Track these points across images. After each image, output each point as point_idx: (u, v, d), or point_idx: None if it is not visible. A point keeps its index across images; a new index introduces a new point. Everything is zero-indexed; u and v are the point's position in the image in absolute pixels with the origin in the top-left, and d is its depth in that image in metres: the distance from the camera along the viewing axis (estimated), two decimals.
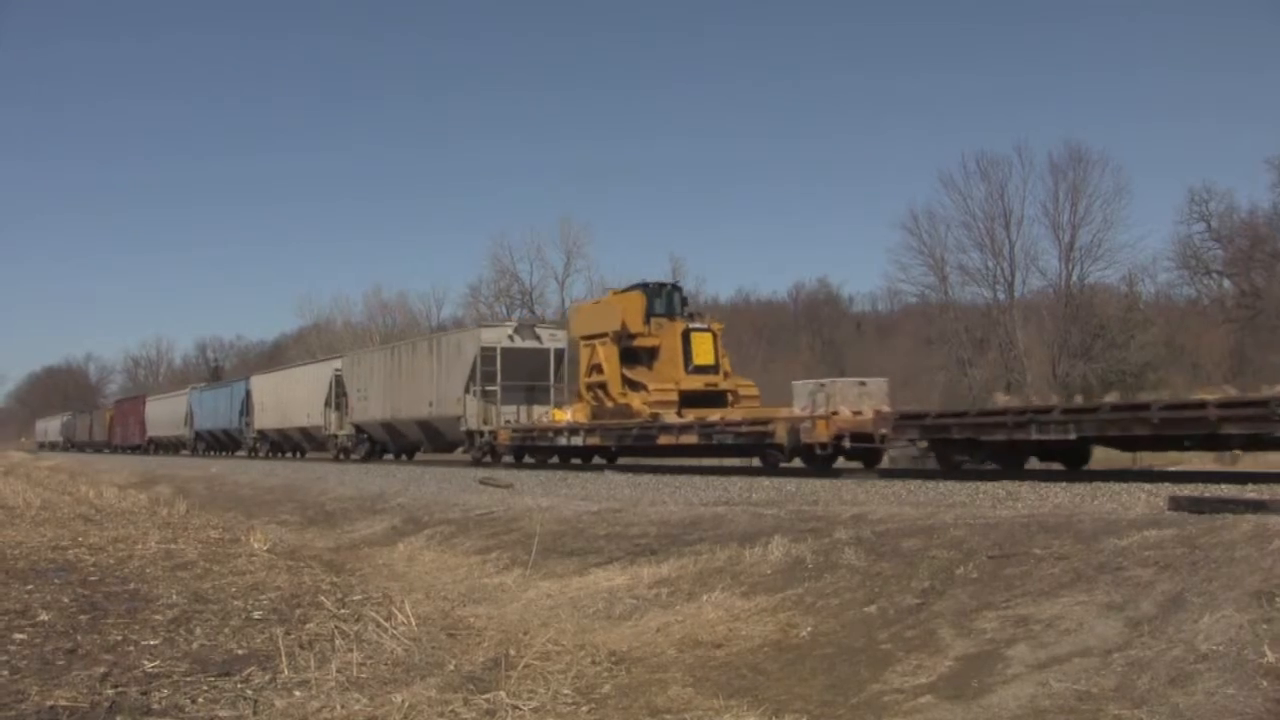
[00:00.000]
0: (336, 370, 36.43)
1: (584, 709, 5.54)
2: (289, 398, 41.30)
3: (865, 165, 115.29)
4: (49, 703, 5.19)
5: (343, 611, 7.61)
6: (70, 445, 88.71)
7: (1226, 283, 52.38)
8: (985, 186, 52.91)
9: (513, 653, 6.37)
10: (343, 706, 5.22)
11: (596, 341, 23.53)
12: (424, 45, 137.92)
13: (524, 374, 27.25)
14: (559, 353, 27.60)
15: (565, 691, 5.76)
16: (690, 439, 20.07)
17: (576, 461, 24.91)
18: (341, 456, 36.08)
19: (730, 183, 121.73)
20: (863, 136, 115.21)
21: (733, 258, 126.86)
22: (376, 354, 34.78)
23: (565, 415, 24.72)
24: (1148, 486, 10.86)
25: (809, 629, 6.92)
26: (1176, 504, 8.22)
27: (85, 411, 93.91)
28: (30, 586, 8.46)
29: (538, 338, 27.76)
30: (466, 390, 26.94)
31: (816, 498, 12.09)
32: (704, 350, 22.68)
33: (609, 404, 23.06)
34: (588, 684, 6.01)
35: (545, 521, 11.98)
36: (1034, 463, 16.47)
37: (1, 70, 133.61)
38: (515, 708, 5.34)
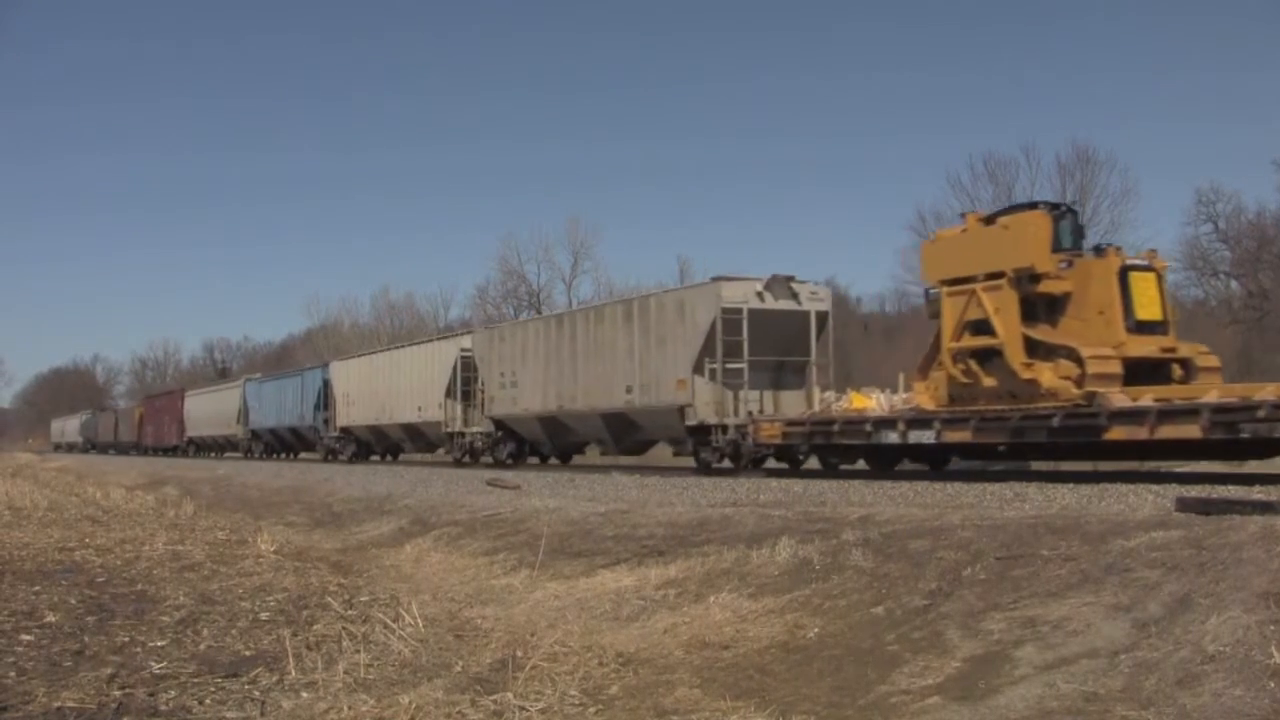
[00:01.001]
0: (464, 351, 28.72)
1: (591, 710, 5.55)
2: (389, 387, 33.37)
3: (873, 166, 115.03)
4: (56, 704, 5.21)
5: (350, 613, 7.62)
6: (91, 446, 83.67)
7: (1234, 284, 52.25)
8: (993, 188, 52.70)
9: (520, 654, 6.38)
10: (350, 708, 5.23)
11: (978, 287, 15.67)
12: (432, 46, 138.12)
13: (773, 346, 19.99)
14: (820, 318, 20.48)
15: (572, 693, 5.76)
16: (1186, 430, 12.52)
17: (781, 465, 20.33)
18: (468, 460, 28.62)
19: (738, 183, 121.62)
20: (870, 137, 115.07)
21: (740, 258, 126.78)
22: (531, 326, 26.73)
23: (871, 400, 18.96)
24: (1155, 488, 10.83)
25: (816, 630, 6.92)
26: (1184, 505, 8.21)
27: (108, 409, 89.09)
28: (37, 588, 8.49)
29: (794, 296, 20.26)
30: (696, 369, 19.73)
31: (824, 499, 12.08)
32: (1149, 299, 15.48)
33: (989, 382, 15.58)
34: (595, 685, 6.01)
35: (553, 523, 11.99)
36: (1042, 464, 16.45)
37: (9, 70, 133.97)
38: (523, 709, 5.35)
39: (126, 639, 6.74)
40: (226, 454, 51.78)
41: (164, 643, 6.66)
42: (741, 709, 5.46)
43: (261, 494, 23.92)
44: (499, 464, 26.03)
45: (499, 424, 26.86)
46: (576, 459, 27.56)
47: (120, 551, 10.91)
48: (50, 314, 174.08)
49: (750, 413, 19.47)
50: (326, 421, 38.20)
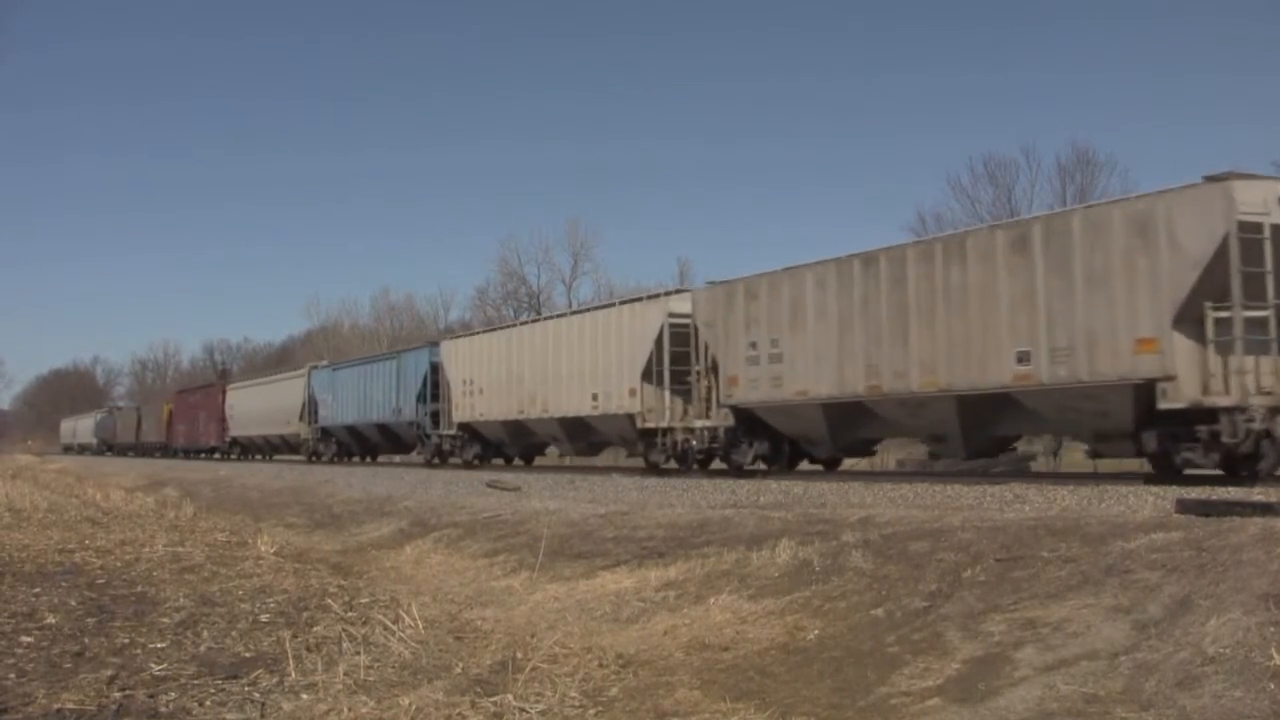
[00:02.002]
0: (675, 317, 20.27)
1: (591, 712, 5.55)
2: (540, 371, 24.57)
3: (873, 167, 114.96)
4: (56, 705, 5.21)
5: (350, 614, 7.62)
6: (107, 448, 75.35)
7: None
8: (993, 189, 52.80)
9: (520, 655, 6.38)
10: (350, 709, 5.23)
11: None
12: (432, 47, 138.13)
13: None
14: None
15: (572, 694, 5.76)
16: None
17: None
18: (681, 465, 20.44)
19: (738, 184, 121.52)
20: (870, 138, 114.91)
21: (740, 260, 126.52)
22: (818, 272, 17.06)
23: None
24: (1155, 489, 10.83)
25: (816, 632, 6.92)
26: (1184, 507, 8.21)
27: (127, 407, 79.67)
28: (37, 589, 8.48)
29: None
30: (1182, 320, 12.26)
31: (824, 500, 12.08)
32: None
33: None
34: (595, 687, 6.01)
35: (553, 524, 11.99)
36: (1042, 465, 16.44)
37: (9, 71, 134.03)
38: (523, 710, 5.34)
39: (126, 640, 6.74)
40: (279, 457, 43.42)
41: (164, 644, 6.66)
42: (741, 710, 5.46)
43: (261, 495, 23.92)
44: (738, 471, 18.83)
45: (743, 415, 18.39)
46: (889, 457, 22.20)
47: (120, 553, 10.91)
48: (50, 315, 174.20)
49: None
50: (433, 416, 30.20)
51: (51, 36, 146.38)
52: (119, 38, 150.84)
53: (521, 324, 28.43)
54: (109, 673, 5.87)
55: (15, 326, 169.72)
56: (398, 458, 37.31)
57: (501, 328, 30.66)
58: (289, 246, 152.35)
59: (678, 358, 19.89)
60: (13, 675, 5.79)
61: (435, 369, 30.12)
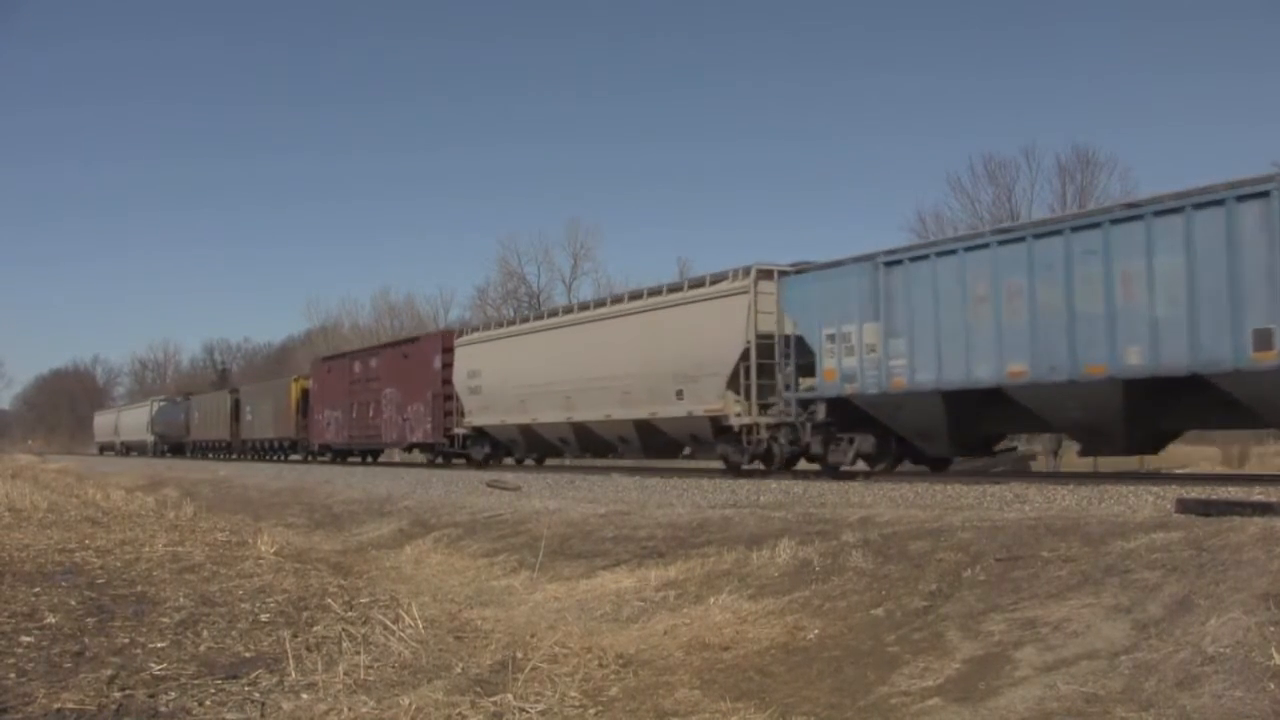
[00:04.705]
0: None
1: (591, 712, 5.54)
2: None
3: (873, 167, 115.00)
4: (56, 705, 5.20)
5: (350, 614, 7.62)
6: (170, 449, 57.23)
7: None
8: (993, 189, 52.78)
9: (520, 655, 6.38)
10: (350, 709, 5.23)
11: None
12: (431, 47, 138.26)
13: None
14: None
15: (572, 694, 5.76)
16: None
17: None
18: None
19: (738, 184, 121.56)
20: (870, 138, 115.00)
21: (740, 260, 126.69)
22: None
23: None
24: (1155, 489, 10.83)
25: (816, 631, 6.92)
26: (1184, 506, 8.21)
27: (216, 392, 57.30)
28: (37, 589, 8.48)
29: None
30: None
31: (824, 500, 12.08)
32: None
33: None
34: (595, 686, 6.01)
35: (553, 524, 11.99)
36: (1042, 465, 16.41)
37: (9, 72, 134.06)
38: (523, 710, 5.34)
39: (126, 640, 6.73)
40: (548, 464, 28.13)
41: (164, 644, 6.65)
42: (741, 710, 5.46)
43: (261, 495, 23.92)
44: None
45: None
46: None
47: (120, 553, 10.90)
48: (50, 315, 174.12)
49: None
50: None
51: (51, 37, 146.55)
52: (119, 38, 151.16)
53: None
54: (109, 673, 5.87)
55: (15, 326, 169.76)
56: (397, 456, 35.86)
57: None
58: (289, 246, 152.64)
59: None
60: (13, 675, 5.78)
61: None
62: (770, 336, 18.09)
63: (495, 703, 5.38)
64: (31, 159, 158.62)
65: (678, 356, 19.74)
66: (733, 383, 18.50)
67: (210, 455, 49.93)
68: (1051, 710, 4.89)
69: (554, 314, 25.74)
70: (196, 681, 5.75)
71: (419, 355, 30.64)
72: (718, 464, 20.75)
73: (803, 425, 17.38)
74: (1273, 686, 4.53)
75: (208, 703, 5.36)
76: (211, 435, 50.88)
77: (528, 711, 5.35)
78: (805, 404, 17.31)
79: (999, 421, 15.71)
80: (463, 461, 28.82)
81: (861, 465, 17.39)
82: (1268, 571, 5.66)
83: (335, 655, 6.33)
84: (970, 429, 15.71)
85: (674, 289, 20.88)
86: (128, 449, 67.44)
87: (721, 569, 8.85)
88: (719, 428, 19.09)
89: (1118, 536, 7.09)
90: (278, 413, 42.10)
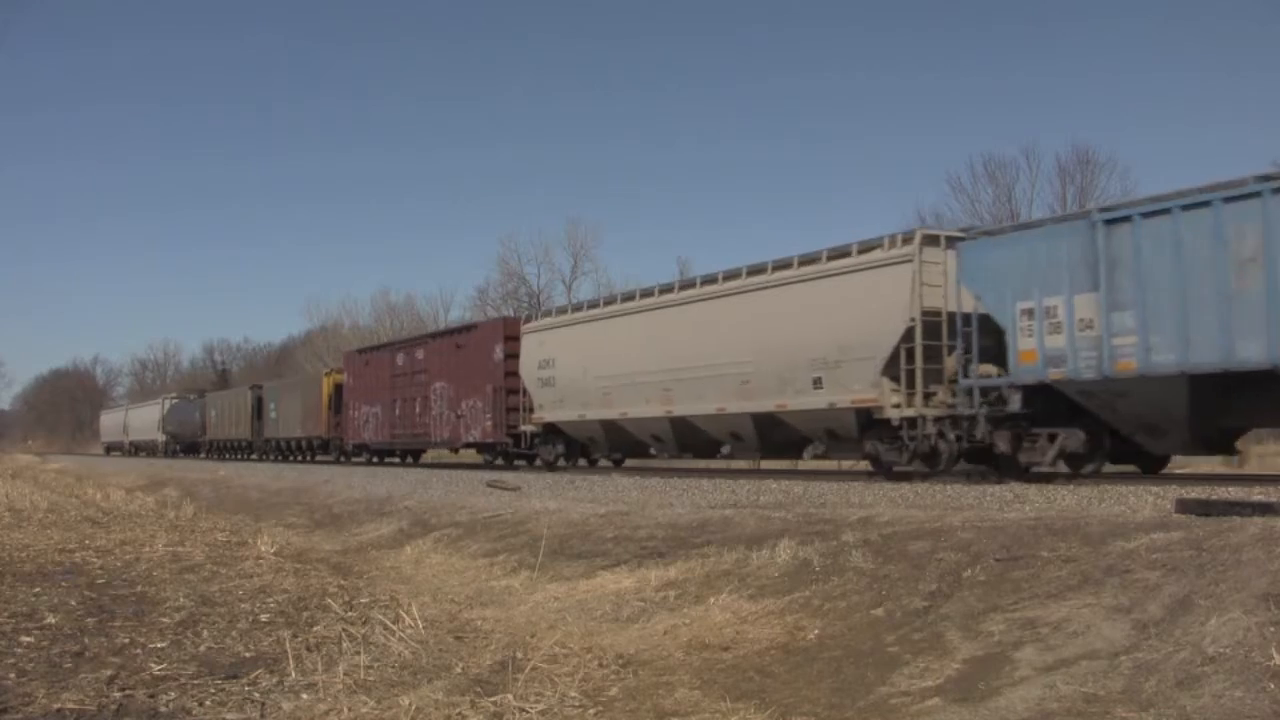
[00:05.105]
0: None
1: (591, 712, 5.54)
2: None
3: (872, 167, 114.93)
4: (56, 705, 5.21)
5: (350, 614, 7.62)
6: (183, 449, 55.42)
7: None
8: (993, 189, 52.82)
9: (520, 655, 6.38)
10: (350, 709, 5.23)
11: None
12: (432, 47, 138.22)
13: None
14: None
15: (572, 694, 5.76)
16: None
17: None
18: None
19: (738, 185, 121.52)
20: (870, 138, 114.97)
21: (740, 260, 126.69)
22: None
23: None
24: (1155, 489, 10.84)
25: (816, 632, 6.92)
26: (1184, 507, 8.21)
27: (236, 390, 53.83)
28: (37, 589, 8.49)
29: None
30: None
31: (824, 500, 12.08)
32: None
33: None
34: (595, 687, 6.01)
35: (553, 524, 11.99)
36: (1042, 465, 16.38)
37: (10, 73, 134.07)
38: (522, 710, 5.34)
39: (126, 640, 6.74)
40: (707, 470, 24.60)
41: (164, 644, 6.66)
42: (741, 710, 5.46)
43: (261, 495, 23.92)
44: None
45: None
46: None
47: (120, 553, 10.92)
48: (50, 315, 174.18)
49: None
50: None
51: (51, 38, 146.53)
52: (119, 38, 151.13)
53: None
54: (109, 672, 5.87)
55: (15, 326, 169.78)
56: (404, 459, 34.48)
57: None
58: (289, 246, 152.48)
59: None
60: (13, 675, 5.79)
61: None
62: (937, 313, 15.10)
63: (495, 703, 5.39)
64: (32, 159, 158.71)
65: (816, 339, 16.65)
66: (889, 368, 15.44)
67: (229, 456, 47.28)
68: (1051, 710, 4.89)
69: (648, 294, 21.64)
70: (196, 681, 5.75)
71: (476, 345, 27.45)
72: (819, 464, 18.58)
73: (980, 419, 14.39)
74: (1273, 686, 4.53)
75: (208, 703, 5.37)
76: (230, 434, 48.38)
77: (528, 711, 5.35)
78: (985, 393, 14.41)
79: (1253, 413, 12.97)
80: (523, 464, 26.11)
81: (1062, 467, 14.53)
82: (1268, 571, 5.66)
83: (335, 655, 6.33)
84: (1213, 421, 13.03)
85: (807, 260, 17.50)
86: (136, 449, 65.44)
87: (721, 569, 8.85)
88: (868, 421, 16.11)
89: (1118, 536, 7.08)
90: (307, 410, 39.03)
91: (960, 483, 13.46)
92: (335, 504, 19.36)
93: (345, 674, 5.88)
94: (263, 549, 11.26)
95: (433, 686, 5.68)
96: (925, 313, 15.04)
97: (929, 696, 5.39)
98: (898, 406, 15.40)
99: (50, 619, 7.31)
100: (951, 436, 14.95)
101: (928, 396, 15.19)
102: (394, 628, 6.95)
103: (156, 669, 6.00)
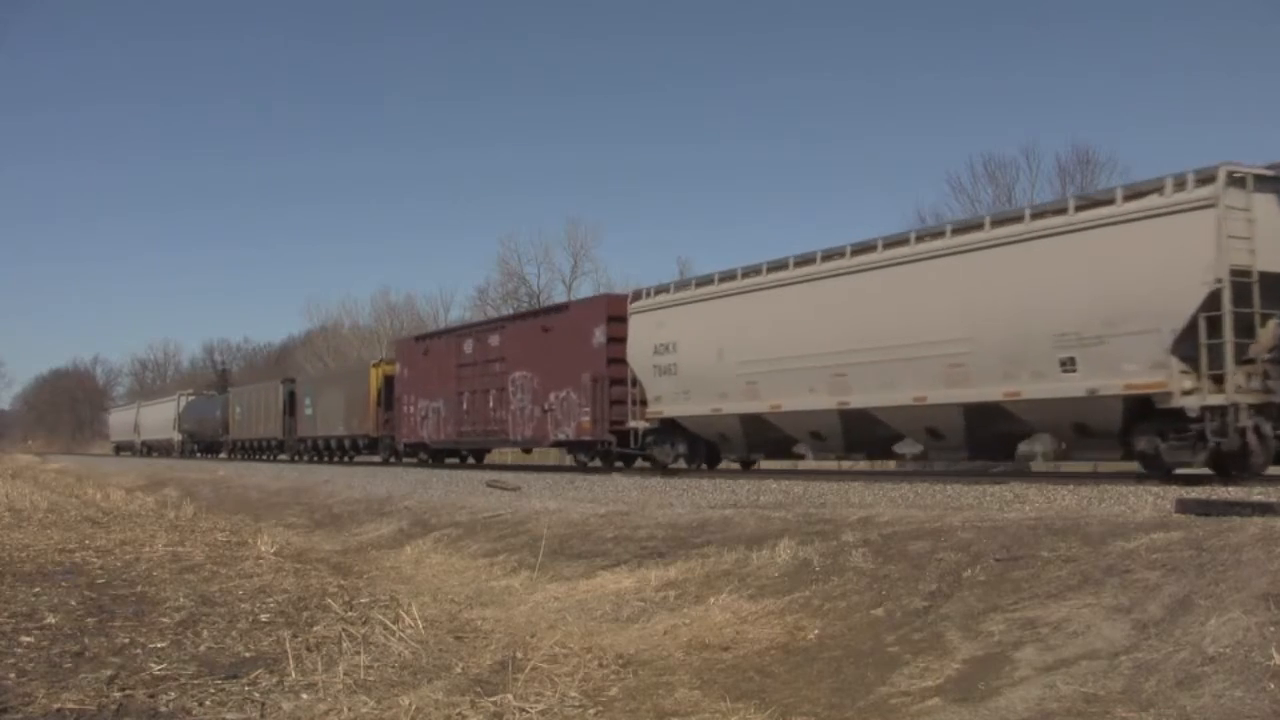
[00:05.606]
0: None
1: (591, 712, 5.54)
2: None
3: (872, 167, 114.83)
4: (56, 705, 5.21)
5: (350, 614, 7.62)
6: (201, 450, 51.22)
7: None
8: (993, 189, 52.77)
9: (520, 655, 6.38)
10: (350, 709, 5.23)
11: None
12: (431, 48, 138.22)
13: None
14: None
15: (572, 694, 5.76)
16: None
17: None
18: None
19: (738, 185, 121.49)
20: (869, 138, 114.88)
21: (740, 260, 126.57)
22: None
23: None
24: (1155, 489, 10.83)
25: (816, 632, 6.92)
26: (1184, 507, 8.21)
27: (264, 384, 48.08)
28: (37, 589, 8.49)
29: None
30: None
31: (824, 500, 12.08)
32: None
33: None
34: (595, 687, 6.01)
35: (552, 524, 11.99)
36: (1042, 465, 16.40)
37: (10, 73, 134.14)
38: (522, 710, 5.34)
39: (126, 640, 6.74)
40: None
41: (164, 644, 6.66)
42: (741, 710, 5.46)
43: (261, 495, 23.92)
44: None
45: None
46: None
47: (120, 553, 10.91)
48: (50, 315, 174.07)
49: None
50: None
51: (51, 38, 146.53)
52: (119, 39, 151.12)
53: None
54: (109, 672, 5.87)
55: (15, 326, 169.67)
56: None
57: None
58: (289, 246, 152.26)
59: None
60: (13, 675, 5.79)
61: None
62: (1246, 273, 11.84)
63: (495, 703, 5.39)
64: (32, 159, 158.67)
65: (1064, 308, 13.14)
66: (1180, 345, 12.11)
67: (259, 456, 43.03)
68: (1051, 710, 4.89)
69: (807, 261, 17.34)
70: (196, 681, 5.75)
71: (570, 328, 23.49)
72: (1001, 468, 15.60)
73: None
74: (1273, 686, 4.53)
75: (208, 703, 5.37)
76: (259, 433, 43.62)
77: (528, 711, 5.35)
78: None
79: None
80: (621, 465, 22.50)
81: None
82: (1268, 571, 5.66)
83: (335, 655, 6.33)
84: None
85: (1041, 214, 14.02)
86: (149, 449, 60.77)
87: (721, 569, 8.85)
88: (1139, 412, 12.79)
89: (1118, 536, 7.08)
90: (351, 405, 34.76)
91: (960, 482, 13.46)
92: (335, 504, 19.36)
93: (345, 674, 5.88)
94: (263, 549, 11.26)
95: (433, 686, 5.68)
96: (1235, 273, 11.81)
97: (929, 696, 5.39)
98: (1191, 392, 12.07)
99: (50, 619, 7.30)
100: (1269, 430, 11.92)
101: (1217, 379, 11.92)
102: (394, 628, 6.95)
103: (156, 669, 6.00)
